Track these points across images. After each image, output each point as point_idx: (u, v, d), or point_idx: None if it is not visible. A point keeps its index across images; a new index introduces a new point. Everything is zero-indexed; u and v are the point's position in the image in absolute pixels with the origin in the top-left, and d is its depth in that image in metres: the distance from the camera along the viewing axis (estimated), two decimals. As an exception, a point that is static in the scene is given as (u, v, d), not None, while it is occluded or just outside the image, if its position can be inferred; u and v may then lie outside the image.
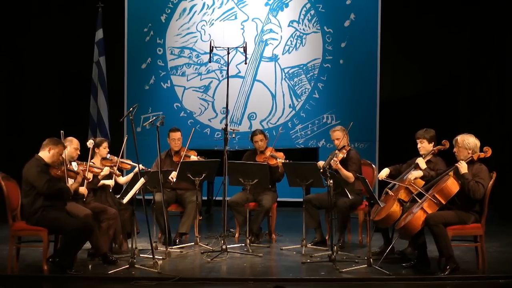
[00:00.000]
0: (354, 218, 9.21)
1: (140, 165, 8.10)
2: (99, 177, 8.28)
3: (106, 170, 8.29)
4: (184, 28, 12.87)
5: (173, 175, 8.87)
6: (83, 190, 7.89)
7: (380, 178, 8.29)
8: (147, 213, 7.80)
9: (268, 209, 9.12)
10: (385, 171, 8.29)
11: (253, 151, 9.50)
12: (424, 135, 8.14)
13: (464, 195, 7.40)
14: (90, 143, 8.37)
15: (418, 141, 8.17)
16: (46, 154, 7.48)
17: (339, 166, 8.64)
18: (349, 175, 8.68)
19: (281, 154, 9.22)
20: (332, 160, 8.66)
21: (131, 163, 8.62)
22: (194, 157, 9.19)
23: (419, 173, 7.86)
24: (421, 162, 8.02)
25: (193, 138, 9.44)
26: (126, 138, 9.15)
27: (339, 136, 8.94)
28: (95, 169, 8.21)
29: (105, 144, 8.55)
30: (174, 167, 8.95)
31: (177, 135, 9.32)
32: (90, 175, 8.11)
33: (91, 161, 8.28)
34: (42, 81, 12.80)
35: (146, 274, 7.40)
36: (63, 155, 7.67)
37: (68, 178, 7.61)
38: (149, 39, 12.86)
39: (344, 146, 8.88)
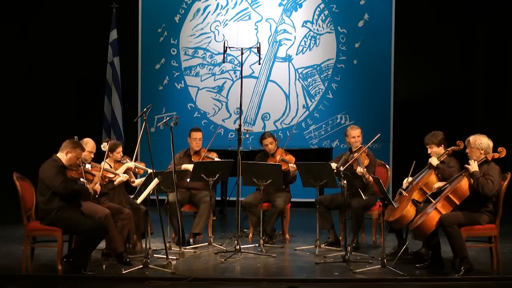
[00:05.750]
0: (368, 219, 9.19)
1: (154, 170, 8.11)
2: (116, 183, 8.28)
3: (123, 177, 8.29)
4: (198, 29, 12.89)
5: (188, 167, 8.90)
6: (96, 187, 7.84)
7: (404, 186, 8.16)
8: (161, 213, 7.82)
9: (282, 210, 9.11)
10: (408, 180, 8.19)
11: (264, 153, 9.49)
12: (431, 140, 8.11)
13: (477, 196, 7.37)
14: (104, 146, 8.39)
15: (427, 147, 8.15)
16: (63, 156, 7.47)
17: (368, 175, 8.54)
18: (371, 180, 8.62)
19: (291, 158, 9.19)
20: (359, 169, 8.57)
21: (145, 167, 8.63)
22: (217, 159, 9.25)
23: (442, 183, 7.81)
24: (433, 160, 8.00)
25: (206, 138, 9.48)
26: (140, 136, 9.03)
27: (359, 133, 8.92)
28: (109, 174, 8.21)
29: (119, 149, 8.52)
30: None
31: (198, 134, 9.35)
32: (102, 180, 8.12)
33: (107, 161, 8.30)
34: (56, 81, 12.86)
35: (160, 274, 7.41)
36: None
37: (85, 180, 7.61)
38: (163, 40, 12.88)
39: (360, 147, 8.86)
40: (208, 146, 9.42)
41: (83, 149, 7.65)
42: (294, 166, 9.02)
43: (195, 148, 9.34)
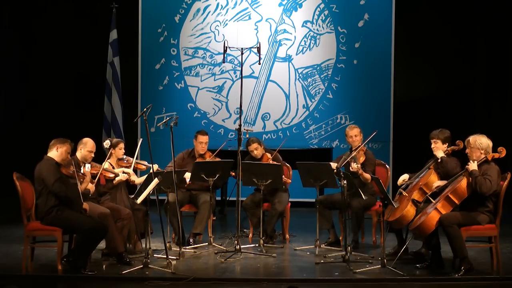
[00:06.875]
0: (368, 219, 9.19)
1: (156, 165, 8.10)
2: (114, 182, 8.28)
3: (122, 176, 8.29)
4: (198, 29, 12.89)
5: (187, 176, 8.88)
6: (90, 186, 7.83)
7: (398, 184, 8.20)
8: (161, 213, 7.82)
9: (282, 212, 9.10)
10: (404, 177, 8.22)
11: (250, 157, 9.27)
12: (438, 136, 8.10)
13: (477, 196, 7.37)
14: (106, 143, 8.40)
15: (432, 141, 8.13)
16: (54, 153, 7.47)
17: (361, 171, 8.59)
18: (368, 177, 8.62)
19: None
20: (353, 165, 8.58)
21: (147, 164, 8.63)
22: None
23: (442, 182, 7.81)
24: (439, 153, 7.98)
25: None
26: (140, 140, 9.10)
27: (357, 133, 8.92)
28: (109, 173, 8.20)
29: (121, 145, 8.55)
30: None
31: (205, 138, 9.29)
32: (102, 179, 8.11)
33: (108, 161, 8.30)
34: (56, 81, 12.86)
35: (160, 274, 7.41)
36: (78, 156, 7.71)
37: (80, 180, 7.62)
38: (163, 40, 12.88)
39: (359, 146, 8.86)
40: (216, 153, 9.37)
41: (71, 144, 7.61)
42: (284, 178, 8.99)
43: (200, 152, 9.29)
